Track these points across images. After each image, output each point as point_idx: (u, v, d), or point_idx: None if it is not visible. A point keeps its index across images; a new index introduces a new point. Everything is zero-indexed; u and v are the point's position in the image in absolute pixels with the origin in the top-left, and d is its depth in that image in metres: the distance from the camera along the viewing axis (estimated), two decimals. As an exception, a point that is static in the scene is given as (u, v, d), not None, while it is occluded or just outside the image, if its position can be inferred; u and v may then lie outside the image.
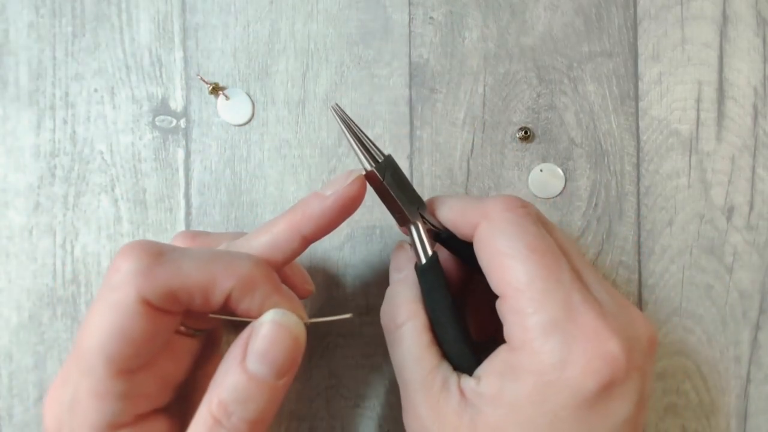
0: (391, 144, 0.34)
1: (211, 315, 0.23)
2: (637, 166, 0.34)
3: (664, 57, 0.34)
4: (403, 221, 0.27)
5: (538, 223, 0.25)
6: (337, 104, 0.26)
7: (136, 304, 0.21)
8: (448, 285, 0.26)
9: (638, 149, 0.34)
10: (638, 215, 0.34)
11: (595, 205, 0.34)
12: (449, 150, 0.34)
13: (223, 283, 0.22)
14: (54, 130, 0.34)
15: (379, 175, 0.26)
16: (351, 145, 0.26)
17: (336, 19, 0.34)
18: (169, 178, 0.34)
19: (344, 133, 0.26)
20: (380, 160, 0.26)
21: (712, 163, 0.34)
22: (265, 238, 0.25)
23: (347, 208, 0.26)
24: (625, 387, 0.22)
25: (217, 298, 0.22)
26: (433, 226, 0.28)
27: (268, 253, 0.25)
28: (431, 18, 0.34)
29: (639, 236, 0.34)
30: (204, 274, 0.22)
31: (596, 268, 0.29)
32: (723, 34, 0.34)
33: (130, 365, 0.22)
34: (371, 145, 0.26)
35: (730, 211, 0.34)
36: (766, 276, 0.34)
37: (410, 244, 0.28)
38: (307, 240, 0.25)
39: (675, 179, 0.34)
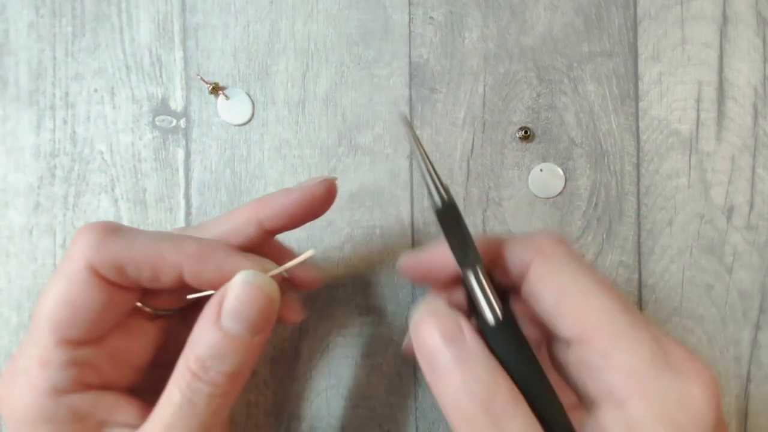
0: (391, 144, 0.34)
1: (189, 296, 0.24)
2: (637, 166, 0.34)
3: (664, 57, 0.34)
4: (466, 263, 0.21)
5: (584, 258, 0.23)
6: (405, 116, 0.23)
7: (84, 273, 0.22)
8: (528, 342, 0.21)
9: (638, 149, 0.34)
10: (638, 215, 0.34)
11: (595, 205, 0.34)
12: (449, 150, 0.34)
13: (169, 258, 0.22)
14: (54, 130, 0.34)
15: (452, 213, 0.22)
16: (424, 173, 0.22)
17: (336, 19, 0.34)
18: (169, 178, 0.34)
19: (419, 158, 0.22)
20: (445, 195, 0.22)
21: (712, 163, 0.34)
22: (224, 223, 0.25)
23: (311, 206, 0.25)
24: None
25: (167, 274, 0.23)
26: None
27: (224, 238, 0.25)
28: (431, 18, 0.34)
29: (639, 236, 0.34)
30: (151, 249, 0.22)
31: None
32: (723, 34, 0.34)
33: (75, 335, 0.22)
34: (435, 173, 0.22)
35: (730, 211, 0.34)
36: (766, 276, 0.34)
37: (466, 299, 0.22)
38: (268, 231, 0.25)
39: (675, 179, 0.34)
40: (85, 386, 0.23)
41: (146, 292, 0.24)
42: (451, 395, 0.20)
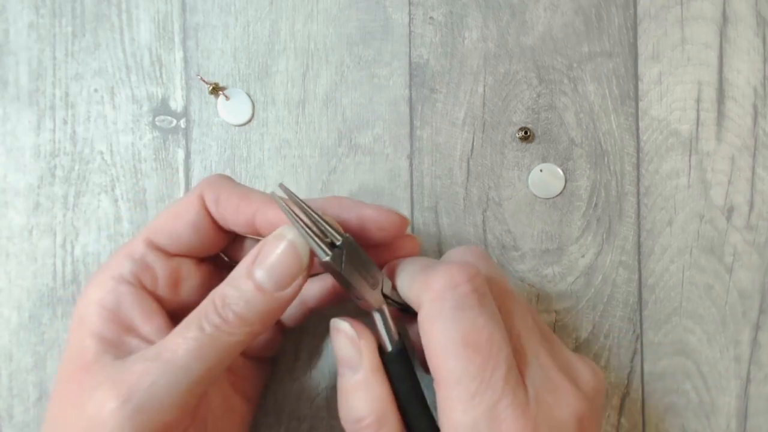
0: (391, 144, 0.34)
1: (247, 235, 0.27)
2: (637, 166, 0.34)
3: (664, 57, 0.34)
4: (366, 306, 0.25)
5: (484, 302, 0.23)
6: (282, 185, 0.25)
7: (194, 198, 0.26)
8: (414, 371, 0.25)
9: (638, 149, 0.34)
10: (638, 215, 0.34)
11: (595, 205, 0.34)
12: (449, 150, 0.34)
13: (253, 195, 0.26)
14: (54, 130, 0.34)
15: (335, 266, 0.24)
16: (303, 233, 0.24)
17: (336, 19, 0.34)
18: (169, 178, 0.34)
19: (293, 219, 0.24)
20: (338, 244, 0.24)
21: (712, 163, 0.34)
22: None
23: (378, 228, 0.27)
24: None
25: (245, 213, 0.26)
26: (394, 301, 0.26)
27: None
28: (431, 18, 0.34)
29: (639, 236, 0.34)
30: (244, 188, 0.27)
31: (550, 332, 0.28)
32: (723, 34, 0.34)
33: (161, 240, 0.26)
34: (327, 225, 0.24)
35: (730, 211, 0.34)
36: (766, 276, 0.34)
37: (351, 333, 0.25)
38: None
39: (675, 179, 0.34)
40: (141, 284, 0.26)
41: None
42: (344, 399, 0.25)
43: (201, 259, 0.28)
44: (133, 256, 0.26)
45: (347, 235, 0.24)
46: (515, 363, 0.23)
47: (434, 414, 0.25)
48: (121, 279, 0.25)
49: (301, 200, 0.24)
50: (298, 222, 0.23)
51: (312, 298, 0.30)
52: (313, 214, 0.24)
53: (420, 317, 0.24)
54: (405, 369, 0.25)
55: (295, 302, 0.28)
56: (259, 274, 0.23)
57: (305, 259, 0.24)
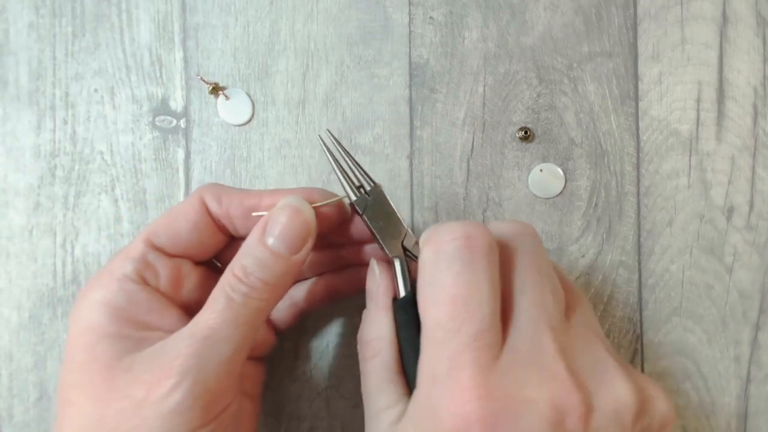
0: (391, 144, 0.34)
1: (254, 213, 0.27)
2: (637, 166, 0.34)
3: (664, 57, 0.34)
4: (385, 255, 0.27)
5: (477, 260, 0.24)
6: (328, 130, 0.28)
7: (195, 199, 0.27)
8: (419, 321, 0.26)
9: (638, 149, 0.34)
10: (638, 215, 0.34)
11: (595, 205, 0.34)
12: (449, 150, 0.34)
13: (251, 192, 0.27)
14: (54, 130, 0.34)
15: (358, 209, 0.27)
16: (337, 175, 0.27)
17: (336, 19, 0.34)
18: (169, 178, 0.34)
19: (331, 160, 0.27)
20: (367, 190, 0.27)
21: (712, 163, 0.34)
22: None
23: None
24: None
25: (248, 210, 0.27)
26: (415, 256, 0.27)
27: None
28: (431, 18, 0.34)
29: (639, 236, 0.34)
30: (242, 189, 0.28)
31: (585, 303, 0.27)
32: (723, 34, 0.34)
33: (160, 241, 0.27)
34: (362, 173, 0.27)
35: (730, 211, 0.34)
36: (766, 276, 0.34)
37: (377, 273, 0.28)
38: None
39: (675, 179, 0.34)
40: (144, 282, 0.26)
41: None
42: (363, 322, 0.28)
43: (197, 262, 0.29)
44: (133, 255, 0.26)
45: (378, 184, 0.27)
46: (498, 328, 0.23)
47: None
48: (126, 278, 0.26)
49: (343, 148, 0.27)
50: (335, 164, 0.27)
51: (302, 300, 0.31)
52: (350, 162, 0.27)
53: (418, 264, 0.25)
54: (408, 318, 0.26)
55: (286, 303, 0.31)
56: (272, 241, 0.25)
57: (312, 222, 0.26)
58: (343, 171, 0.27)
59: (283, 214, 0.26)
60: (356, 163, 0.27)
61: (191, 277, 0.28)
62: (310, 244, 0.26)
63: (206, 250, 0.28)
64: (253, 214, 0.27)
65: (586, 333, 0.25)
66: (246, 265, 0.25)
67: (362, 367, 0.27)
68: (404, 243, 0.27)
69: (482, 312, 0.23)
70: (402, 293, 0.27)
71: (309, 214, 0.26)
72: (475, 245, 0.24)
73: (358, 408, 0.33)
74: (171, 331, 0.25)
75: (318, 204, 0.27)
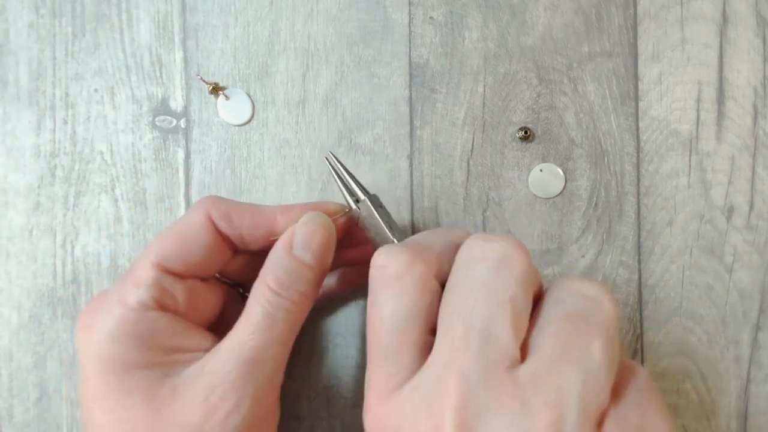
0: (391, 144, 0.34)
1: (271, 238, 0.28)
2: (637, 166, 0.34)
3: (664, 57, 0.34)
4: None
5: (395, 284, 0.23)
6: (331, 152, 0.29)
7: (201, 216, 0.27)
8: None
9: (638, 149, 0.34)
10: (638, 215, 0.34)
11: (595, 205, 0.34)
12: (449, 150, 0.34)
13: (266, 210, 0.28)
14: (54, 130, 0.34)
15: (354, 216, 0.28)
16: (339, 187, 0.29)
17: (336, 19, 0.34)
18: (169, 178, 0.34)
19: (335, 175, 0.29)
20: (360, 200, 0.28)
21: (712, 163, 0.34)
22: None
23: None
24: None
25: (261, 226, 0.27)
26: None
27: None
28: (431, 18, 0.34)
29: (639, 236, 0.34)
30: (253, 205, 0.28)
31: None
32: (723, 34, 0.34)
33: (170, 264, 0.26)
34: (354, 187, 0.29)
35: (730, 211, 0.34)
36: (766, 276, 0.34)
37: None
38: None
39: (675, 179, 0.34)
40: (164, 307, 0.26)
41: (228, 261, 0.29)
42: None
43: (203, 278, 0.29)
44: (146, 282, 0.26)
45: (373, 194, 0.28)
46: (419, 344, 0.22)
47: None
48: (142, 306, 0.25)
49: (343, 166, 0.29)
50: (338, 179, 0.29)
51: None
52: (349, 177, 0.29)
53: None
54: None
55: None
56: (302, 253, 0.26)
57: (334, 233, 0.27)
58: (347, 187, 0.29)
59: (309, 228, 0.26)
60: (354, 178, 0.29)
61: (203, 294, 0.28)
62: (332, 252, 0.27)
63: (215, 267, 0.28)
64: (272, 239, 0.27)
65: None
66: (281, 277, 0.26)
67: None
68: None
69: (404, 336, 0.23)
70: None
71: (331, 227, 0.27)
72: (396, 270, 0.23)
73: (358, 408, 0.33)
74: (200, 350, 0.26)
75: (335, 215, 0.28)
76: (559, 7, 0.34)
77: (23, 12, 0.34)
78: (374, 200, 0.28)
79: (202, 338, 0.26)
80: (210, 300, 0.28)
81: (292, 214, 0.27)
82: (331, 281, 0.32)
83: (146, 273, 0.26)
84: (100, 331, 0.25)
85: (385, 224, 0.28)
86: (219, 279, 0.30)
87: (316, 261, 0.26)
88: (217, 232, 0.27)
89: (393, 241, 0.27)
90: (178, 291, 0.26)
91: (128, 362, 0.24)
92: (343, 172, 0.29)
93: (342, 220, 0.28)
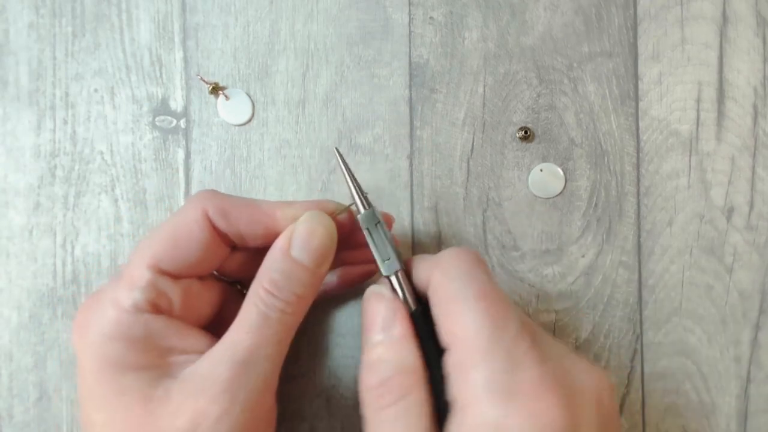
0: (391, 144, 0.34)
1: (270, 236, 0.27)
2: (637, 166, 0.34)
3: (664, 57, 0.34)
4: (387, 271, 0.26)
5: (490, 272, 0.24)
6: (338, 149, 0.28)
7: (196, 213, 0.26)
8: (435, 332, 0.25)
9: (638, 149, 0.34)
10: (638, 215, 0.34)
11: (595, 205, 0.34)
12: (449, 150, 0.34)
13: (263, 206, 0.27)
14: (54, 130, 0.34)
15: (361, 224, 0.27)
16: (351, 189, 0.27)
17: (336, 19, 0.34)
18: (169, 178, 0.34)
19: (346, 177, 0.27)
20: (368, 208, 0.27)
21: (712, 163, 0.34)
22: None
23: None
24: None
25: (259, 223, 0.26)
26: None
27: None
28: (431, 18, 0.34)
29: (639, 236, 0.34)
30: (250, 200, 0.27)
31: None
32: (723, 35, 0.34)
33: (165, 264, 0.25)
34: (358, 192, 0.27)
35: (730, 211, 0.34)
36: (766, 276, 0.34)
37: (390, 295, 0.26)
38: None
39: (675, 179, 0.34)
40: (158, 310, 0.25)
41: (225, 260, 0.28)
42: (368, 364, 0.25)
43: (200, 277, 0.28)
44: (139, 284, 0.25)
45: (372, 207, 0.27)
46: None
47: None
48: (136, 309, 0.25)
49: (348, 167, 0.27)
50: (349, 177, 0.27)
51: None
52: (355, 180, 0.27)
53: (431, 286, 0.24)
54: (430, 328, 0.25)
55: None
56: (300, 254, 0.25)
57: (335, 234, 0.26)
58: (356, 184, 0.27)
59: (309, 228, 0.26)
60: (358, 183, 0.27)
61: (200, 294, 0.27)
62: (332, 256, 0.26)
63: (211, 265, 0.28)
64: (271, 236, 0.27)
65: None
66: (277, 279, 0.25)
67: (376, 417, 0.24)
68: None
69: (513, 310, 0.23)
70: (412, 306, 0.26)
71: (332, 228, 0.26)
72: (482, 261, 0.25)
73: (358, 408, 0.33)
74: (196, 352, 0.25)
75: (336, 213, 0.27)
76: (559, 7, 0.34)
77: (23, 12, 0.34)
78: (373, 213, 0.27)
79: (198, 339, 0.26)
80: (207, 299, 0.28)
81: (291, 211, 0.27)
82: (331, 280, 0.31)
83: (141, 274, 0.25)
84: (95, 332, 0.24)
85: (386, 243, 0.26)
86: (217, 277, 0.30)
87: (315, 262, 0.26)
88: (214, 229, 0.26)
89: (392, 257, 0.26)
90: (174, 292, 0.26)
91: (122, 363, 0.24)
92: (347, 172, 0.28)
93: (342, 218, 0.28)
